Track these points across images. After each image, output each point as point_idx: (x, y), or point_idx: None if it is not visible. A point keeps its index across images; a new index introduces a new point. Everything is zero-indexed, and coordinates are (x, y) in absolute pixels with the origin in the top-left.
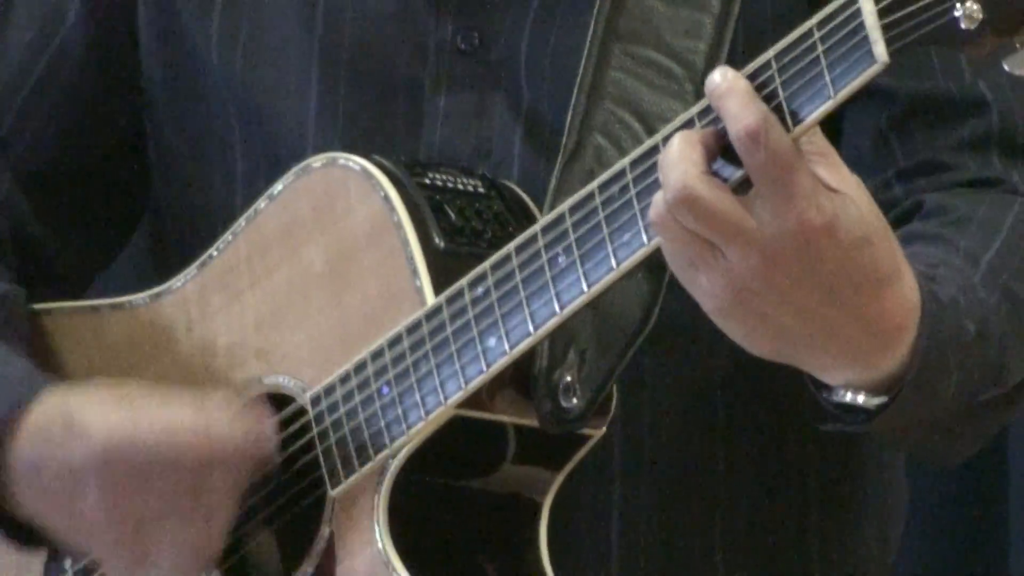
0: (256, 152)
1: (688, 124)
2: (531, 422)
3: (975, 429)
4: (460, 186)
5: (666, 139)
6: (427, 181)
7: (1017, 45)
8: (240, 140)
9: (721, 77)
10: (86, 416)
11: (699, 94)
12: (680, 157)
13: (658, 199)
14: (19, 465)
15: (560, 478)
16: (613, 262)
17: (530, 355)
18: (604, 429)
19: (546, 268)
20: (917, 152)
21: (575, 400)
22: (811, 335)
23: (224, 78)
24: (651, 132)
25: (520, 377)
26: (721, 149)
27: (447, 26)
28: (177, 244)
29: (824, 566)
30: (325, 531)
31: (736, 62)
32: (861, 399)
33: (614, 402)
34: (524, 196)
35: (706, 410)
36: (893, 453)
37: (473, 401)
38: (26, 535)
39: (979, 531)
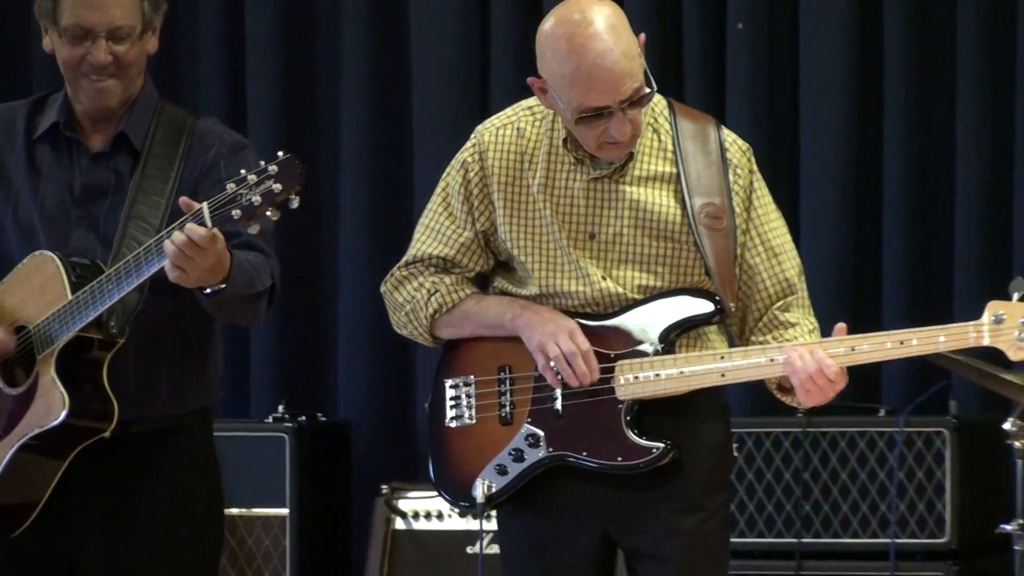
0: (24, 245)
1: (160, 239)
2: (102, 337)
3: (245, 309)
4: (83, 262)
5: (161, 238)
6: (72, 260)
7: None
8: (16, 240)
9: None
10: None
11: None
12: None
13: (176, 242)
14: None
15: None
16: (124, 288)
17: (98, 320)
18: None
19: (101, 294)
20: None
21: (114, 329)
22: None
23: (11, 219)
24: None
25: (96, 325)
26: None
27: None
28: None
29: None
30: (35, 370)
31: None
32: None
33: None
34: (105, 268)
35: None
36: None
37: (82, 330)
38: None
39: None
